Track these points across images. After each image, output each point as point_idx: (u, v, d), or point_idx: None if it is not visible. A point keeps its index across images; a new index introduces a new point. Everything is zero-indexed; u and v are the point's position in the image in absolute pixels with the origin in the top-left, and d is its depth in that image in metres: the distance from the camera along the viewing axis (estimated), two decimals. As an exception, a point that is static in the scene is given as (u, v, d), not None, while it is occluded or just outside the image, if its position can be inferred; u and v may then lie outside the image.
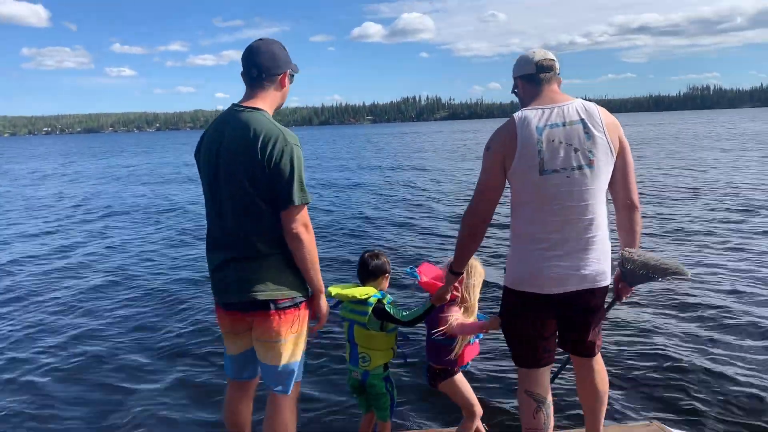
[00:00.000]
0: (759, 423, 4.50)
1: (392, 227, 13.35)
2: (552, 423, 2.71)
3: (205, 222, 2.72)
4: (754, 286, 7.85)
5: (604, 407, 2.95)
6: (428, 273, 3.28)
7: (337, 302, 3.37)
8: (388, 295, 3.35)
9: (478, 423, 3.41)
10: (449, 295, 2.98)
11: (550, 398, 2.72)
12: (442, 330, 3.10)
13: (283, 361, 2.58)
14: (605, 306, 2.88)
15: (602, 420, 2.94)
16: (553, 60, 2.74)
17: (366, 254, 3.44)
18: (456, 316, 3.12)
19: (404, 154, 42.44)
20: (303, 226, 2.49)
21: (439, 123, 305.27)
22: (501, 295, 2.85)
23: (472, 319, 3.20)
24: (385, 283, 3.43)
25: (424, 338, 3.40)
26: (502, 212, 3.15)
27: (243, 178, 2.49)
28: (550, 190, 2.53)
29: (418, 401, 4.88)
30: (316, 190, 20.84)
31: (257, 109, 2.60)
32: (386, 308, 3.20)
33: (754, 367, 5.44)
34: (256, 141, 2.47)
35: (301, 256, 2.53)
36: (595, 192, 2.56)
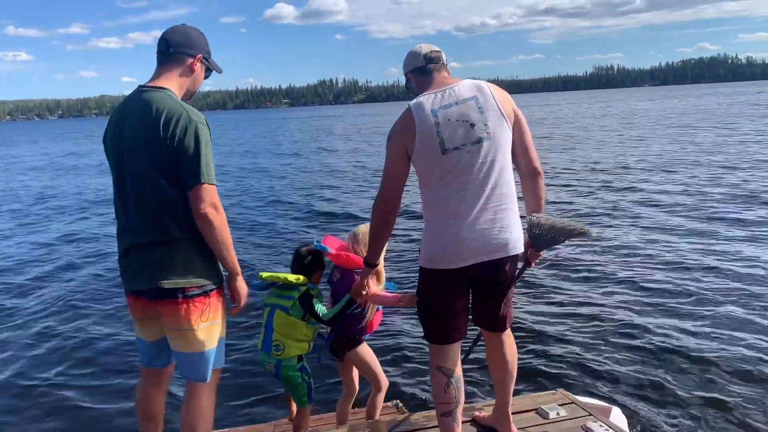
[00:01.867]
0: (657, 379, 4.83)
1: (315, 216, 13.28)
2: (463, 397, 2.80)
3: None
4: (654, 256, 8.35)
5: (514, 379, 3.07)
6: (332, 245, 3.33)
7: (267, 285, 3.34)
8: (319, 289, 3.34)
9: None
10: (365, 288, 3.02)
11: (460, 373, 2.80)
12: (359, 301, 3.14)
13: (196, 349, 2.52)
14: (516, 273, 3.00)
15: (511, 391, 3.07)
16: (440, 51, 2.89)
17: (302, 247, 3.41)
18: (373, 288, 3.15)
19: (326, 140, 42.15)
20: (212, 206, 2.42)
21: (357, 106, 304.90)
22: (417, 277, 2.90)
23: (381, 286, 3.25)
24: (319, 278, 3.42)
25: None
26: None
27: (146, 158, 2.42)
28: (453, 167, 2.61)
29: (334, 384, 4.94)
30: (237, 179, 20.40)
31: (162, 88, 2.53)
32: (312, 301, 3.20)
33: (656, 334, 5.82)
34: (158, 119, 2.40)
35: (212, 237, 2.46)
36: (496, 163, 2.66)
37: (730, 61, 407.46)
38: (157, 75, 2.60)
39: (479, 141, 2.63)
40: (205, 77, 2.77)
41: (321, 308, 3.21)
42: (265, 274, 3.31)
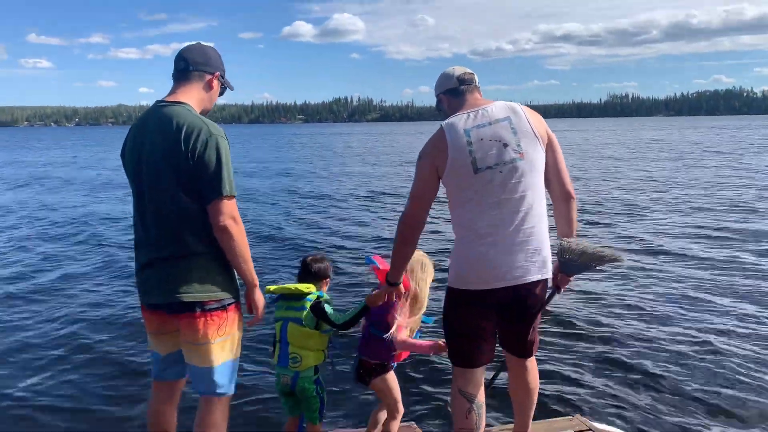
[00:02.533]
0: (679, 416, 4.73)
1: (335, 234, 13.28)
2: (483, 423, 2.75)
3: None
4: (678, 289, 8.24)
5: (534, 405, 3.02)
6: (381, 264, 3.29)
7: (276, 299, 3.32)
8: (327, 296, 3.32)
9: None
10: (382, 300, 2.97)
11: (482, 398, 2.75)
12: (386, 335, 3.08)
13: (211, 363, 2.50)
14: (545, 299, 2.95)
15: (531, 417, 3.01)
16: (472, 73, 2.89)
17: (309, 257, 3.41)
18: (401, 320, 3.10)
19: (344, 156, 42.36)
20: (231, 218, 2.42)
21: (371, 124, 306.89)
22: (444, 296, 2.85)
23: (418, 317, 3.20)
24: (325, 288, 3.40)
25: (355, 341, 3.38)
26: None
27: (166, 172, 2.41)
28: (486, 186, 2.58)
29: (344, 402, 4.88)
30: (259, 192, 20.48)
31: (181, 103, 2.55)
32: (324, 307, 3.16)
33: (678, 365, 5.71)
34: (179, 133, 2.40)
35: (231, 250, 2.45)
36: (529, 184, 2.63)
37: (745, 94, 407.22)
38: (175, 90, 2.62)
39: (512, 161, 2.60)
40: (219, 94, 2.80)
41: (335, 314, 3.17)
42: (272, 287, 3.29)
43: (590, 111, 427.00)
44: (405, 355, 3.31)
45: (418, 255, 3.29)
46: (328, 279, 3.41)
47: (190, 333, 2.47)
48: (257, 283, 2.62)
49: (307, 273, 3.34)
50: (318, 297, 3.21)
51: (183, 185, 2.41)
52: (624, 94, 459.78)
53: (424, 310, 3.26)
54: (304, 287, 3.22)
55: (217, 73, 2.70)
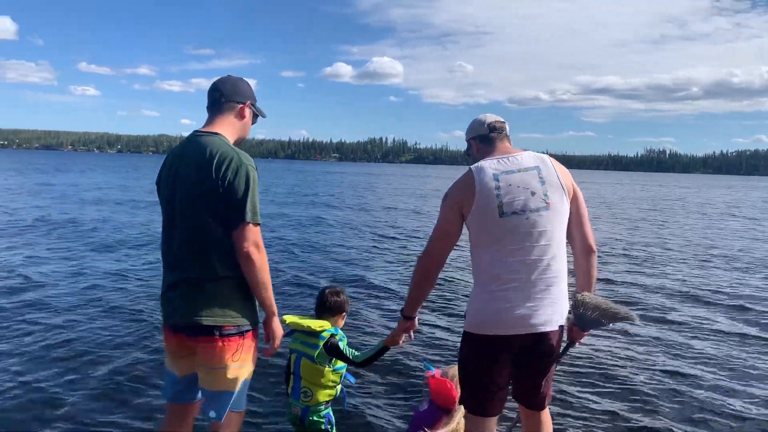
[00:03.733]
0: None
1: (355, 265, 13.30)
2: (493, 474, 2.69)
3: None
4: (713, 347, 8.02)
5: (548, 460, 2.95)
6: (437, 373, 3.38)
7: (290, 331, 3.34)
8: (342, 333, 3.32)
9: None
10: (402, 339, 2.99)
11: None
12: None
13: (224, 387, 2.52)
14: (560, 350, 2.92)
15: (544, 472, 2.94)
16: (504, 122, 2.95)
17: (327, 290, 3.43)
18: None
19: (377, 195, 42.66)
20: (255, 246, 2.48)
21: (405, 166, 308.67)
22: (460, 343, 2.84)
23: (461, 427, 3.23)
24: (341, 322, 3.41)
25: (368, 383, 3.37)
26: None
27: (197, 197, 2.49)
28: (510, 232, 2.59)
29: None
30: (281, 222, 20.69)
31: (215, 133, 2.66)
32: (339, 345, 3.17)
33: (703, 398, 5.52)
34: (211, 161, 2.50)
35: (252, 277, 2.51)
36: (553, 234, 2.63)
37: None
38: (210, 121, 2.73)
39: (538, 210, 2.62)
40: (253, 122, 2.89)
41: (351, 351, 3.17)
42: (288, 318, 3.32)
43: (626, 164, 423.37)
44: None
45: (455, 369, 3.39)
46: (344, 313, 3.42)
47: (206, 357, 2.50)
48: (276, 311, 2.67)
49: (323, 305, 3.36)
50: (332, 335, 3.22)
51: (212, 211, 2.49)
52: (661, 149, 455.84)
53: (462, 424, 3.29)
54: (317, 325, 3.22)
55: (248, 102, 2.80)
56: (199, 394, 2.70)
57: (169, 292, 2.60)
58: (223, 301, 2.51)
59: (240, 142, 2.79)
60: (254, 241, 2.48)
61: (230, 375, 2.52)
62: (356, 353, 3.18)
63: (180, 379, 2.68)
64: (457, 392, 3.24)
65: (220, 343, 2.49)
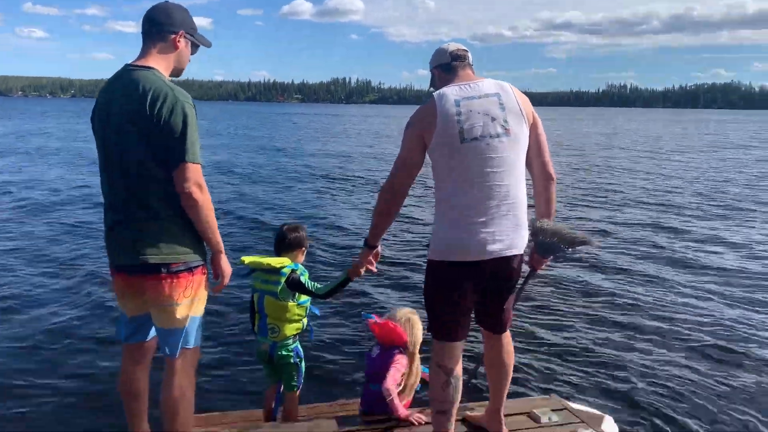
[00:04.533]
0: (652, 390, 4.83)
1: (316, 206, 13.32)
2: (459, 396, 2.80)
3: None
4: (662, 272, 8.35)
5: (509, 382, 3.09)
6: (377, 318, 3.44)
7: (250, 271, 3.37)
8: (303, 267, 3.36)
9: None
10: (364, 269, 3.03)
11: (460, 372, 2.81)
12: (389, 388, 3.19)
13: (176, 325, 2.54)
14: (522, 279, 3.02)
15: (506, 394, 3.08)
16: (466, 50, 2.94)
17: (284, 227, 3.44)
18: (401, 369, 3.29)
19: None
20: (196, 185, 2.44)
21: (370, 106, 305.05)
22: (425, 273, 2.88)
23: (416, 365, 3.39)
24: (301, 257, 3.43)
25: (332, 315, 3.46)
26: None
27: (132, 136, 2.44)
28: (471, 158, 2.62)
29: (324, 375, 4.96)
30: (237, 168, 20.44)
31: (148, 67, 2.55)
32: (301, 279, 3.21)
33: (652, 345, 5.82)
34: (144, 98, 2.42)
35: (196, 216, 2.48)
36: (513, 161, 2.68)
37: (743, 88, 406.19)
38: (143, 54, 2.62)
39: (498, 136, 2.65)
40: (192, 53, 2.77)
41: (313, 284, 3.23)
42: (246, 259, 3.33)
43: (588, 100, 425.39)
44: (407, 404, 3.39)
45: (407, 312, 3.48)
46: (304, 248, 3.43)
47: (156, 295, 2.50)
48: (223, 249, 2.65)
49: (282, 242, 3.37)
50: (292, 270, 3.25)
51: (149, 150, 2.44)
52: (622, 84, 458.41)
53: (418, 359, 3.40)
54: (276, 262, 3.25)
55: (182, 32, 2.65)
56: (152, 333, 2.71)
57: (113, 232, 2.57)
58: (168, 238, 2.50)
59: (178, 74, 2.68)
60: (195, 180, 2.43)
61: (181, 312, 2.54)
62: (318, 286, 3.23)
63: (130, 319, 2.69)
64: (404, 332, 3.34)
65: (169, 281, 2.50)
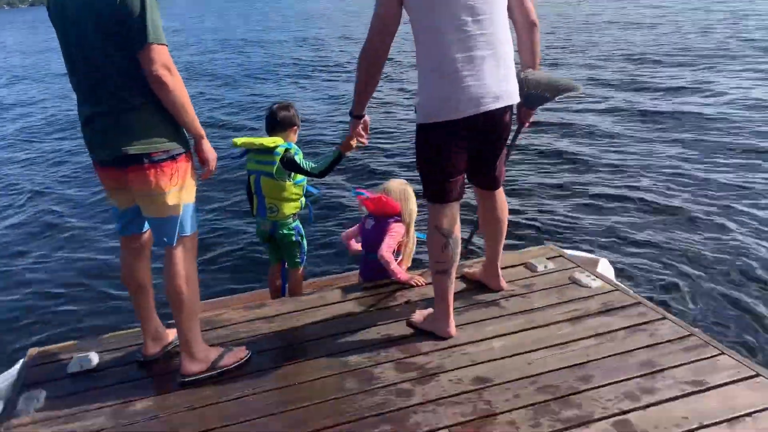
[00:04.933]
0: (644, 232, 4.99)
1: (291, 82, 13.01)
2: (458, 257, 2.85)
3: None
4: (645, 126, 8.32)
5: (504, 237, 3.14)
6: (369, 193, 3.39)
7: (243, 152, 3.33)
8: (297, 147, 3.31)
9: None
10: (355, 141, 2.98)
11: (458, 233, 2.83)
12: (384, 254, 3.20)
13: (168, 213, 2.52)
14: (512, 134, 2.97)
15: (501, 247, 3.15)
16: None
17: (275, 105, 3.35)
18: (398, 237, 3.28)
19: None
20: (164, 68, 2.32)
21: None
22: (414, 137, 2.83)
23: (411, 236, 3.37)
24: (294, 137, 3.37)
25: (331, 193, 3.45)
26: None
27: (91, 24, 2.30)
28: (449, 8, 2.48)
29: (327, 251, 5.07)
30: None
31: None
32: (295, 159, 3.18)
33: (644, 191, 5.92)
34: None
35: (168, 101, 2.39)
36: (495, 9, 2.54)
37: None
38: None
39: None
40: None
41: (307, 163, 3.20)
42: (238, 141, 3.28)
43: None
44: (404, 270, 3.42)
45: (400, 185, 3.40)
46: (296, 127, 3.37)
47: (143, 185, 2.47)
48: (203, 133, 2.57)
49: (273, 121, 3.30)
50: (286, 149, 3.20)
51: (110, 36, 2.30)
52: None
53: (413, 230, 3.40)
54: (270, 142, 3.20)
55: None
56: (147, 225, 2.70)
57: (87, 126, 2.48)
58: (145, 128, 2.41)
59: None
60: (163, 62, 2.31)
61: (171, 200, 2.51)
62: (313, 165, 3.21)
63: (122, 212, 2.67)
64: (396, 203, 3.34)
65: (153, 171, 2.45)
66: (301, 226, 3.41)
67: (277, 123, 3.29)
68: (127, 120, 2.39)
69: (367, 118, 2.89)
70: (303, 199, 3.39)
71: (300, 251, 3.41)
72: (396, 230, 3.29)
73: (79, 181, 7.38)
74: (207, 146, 2.58)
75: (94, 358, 2.76)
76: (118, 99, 2.37)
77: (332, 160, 3.15)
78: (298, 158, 3.19)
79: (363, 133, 2.95)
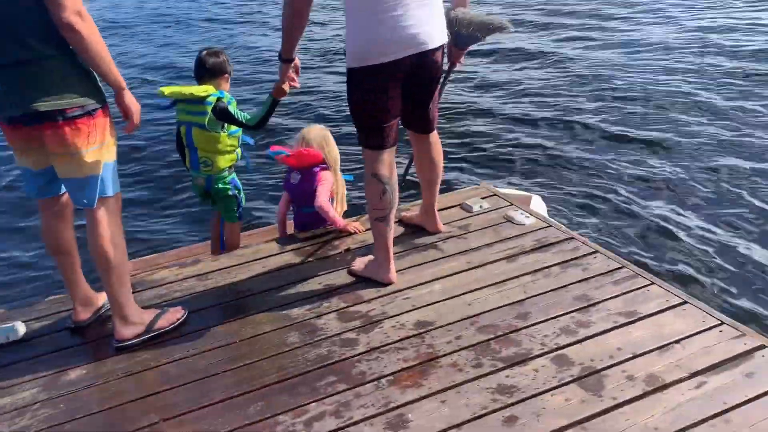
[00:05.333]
0: (572, 166, 5.11)
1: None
2: (396, 202, 2.83)
3: None
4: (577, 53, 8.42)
5: (440, 178, 3.14)
6: (287, 150, 3.31)
7: (172, 103, 3.13)
8: (230, 95, 3.14)
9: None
10: (286, 84, 2.85)
11: (395, 179, 2.80)
12: (323, 204, 3.15)
13: (87, 173, 2.35)
14: (443, 75, 2.93)
15: (438, 190, 3.15)
16: None
17: (203, 51, 3.15)
18: (329, 185, 3.23)
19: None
20: (75, 14, 2.12)
21: None
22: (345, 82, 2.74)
23: (339, 180, 3.35)
24: (226, 85, 3.19)
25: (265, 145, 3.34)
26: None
27: None
28: None
29: (266, 201, 4.98)
30: None
31: None
32: (228, 109, 3.02)
33: (571, 122, 6.04)
34: None
35: (83, 49, 2.20)
36: None
37: None
38: None
39: None
40: None
41: (242, 114, 3.05)
42: (166, 90, 3.07)
43: None
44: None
45: (319, 131, 3.33)
46: (227, 75, 3.18)
47: (58, 144, 2.29)
48: (124, 85, 2.38)
49: (202, 68, 3.11)
50: (218, 98, 3.03)
51: None
52: None
53: (338, 170, 3.34)
54: (200, 90, 3.02)
55: None
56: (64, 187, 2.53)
57: None
58: (57, 81, 2.21)
59: None
60: (73, 8, 2.10)
61: (90, 158, 2.34)
62: (248, 116, 3.06)
63: (36, 173, 2.49)
64: (316, 151, 3.27)
65: (68, 128, 2.26)
66: (237, 179, 3.28)
67: (206, 71, 3.10)
68: (37, 72, 2.19)
69: (297, 60, 2.77)
70: (239, 151, 3.24)
71: (237, 205, 3.30)
72: (325, 178, 3.24)
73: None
74: (129, 97, 2.40)
75: (21, 328, 2.62)
76: (25, 49, 2.16)
77: (267, 109, 2.98)
78: (232, 108, 3.03)
79: (294, 76, 2.84)
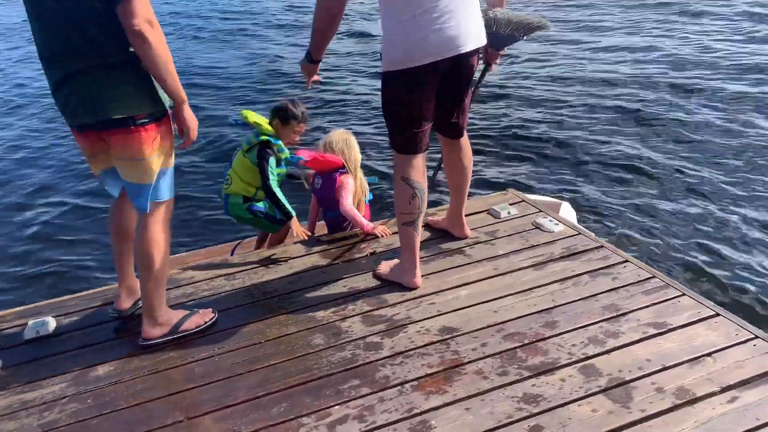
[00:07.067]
0: (604, 174, 5.03)
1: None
2: (425, 207, 2.81)
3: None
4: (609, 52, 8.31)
5: (469, 183, 3.11)
6: (306, 155, 3.32)
7: (243, 125, 3.31)
8: (287, 150, 3.25)
9: None
10: (309, 85, 2.87)
11: (425, 184, 2.78)
12: (348, 209, 3.19)
13: (148, 179, 2.39)
14: (479, 76, 2.91)
15: (466, 195, 3.12)
16: None
17: (288, 100, 3.29)
18: (351, 188, 3.26)
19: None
20: (146, 22, 2.13)
21: None
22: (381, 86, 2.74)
23: (360, 184, 3.34)
24: (292, 136, 3.27)
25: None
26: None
27: None
28: None
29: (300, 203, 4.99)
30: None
31: None
32: (267, 158, 3.14)
33: (601, 135, 5.95)
34: None
35: (149, 59, 2.21)
36: None
37: None
38: None
39: None
40: None
41: (274, 172, 3.17)
42: (245, 112, 3.25)
43: None
44: (366, 218, 3.38)
45: (341, 134, 3.35)
46: (287, 126, 3.24)
47: (125, 149, 2.32)
48: (185, 98, 2.37)
49: (277, 109, 3.24)
50: (269, 142, 3.16)
51: None
52: None
53: (359, 175, 3.36)
54: (264, 122, 3.19)
55: None
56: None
57: (60, 90, 2.26)
58: (127, 87, 2.24)
59: None
60: (145, 16, 2.11)
61: (154, 165, 2.37)
62: (276, 179, 3.18)
63: (110, 172, 2.53)
64: (339, 156, 3.32)
65: (137, 134, 2.30)
66: (260, 207, 3.27)
67: (278, 113, 3.23)
68: (110, 78, 2.21)
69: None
70: (257, 192, 3.26)
71: (268, 220, 3.30)
72: (346, 182, 3.27)
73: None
74: (188, 112, 2.38)
75: (51, 322, 2.67)
76: (97, 54, 2.18)
77: (282, 204, 3.18)
78: (272, 160, 3.17)
79: (318, 77, 2.86)
